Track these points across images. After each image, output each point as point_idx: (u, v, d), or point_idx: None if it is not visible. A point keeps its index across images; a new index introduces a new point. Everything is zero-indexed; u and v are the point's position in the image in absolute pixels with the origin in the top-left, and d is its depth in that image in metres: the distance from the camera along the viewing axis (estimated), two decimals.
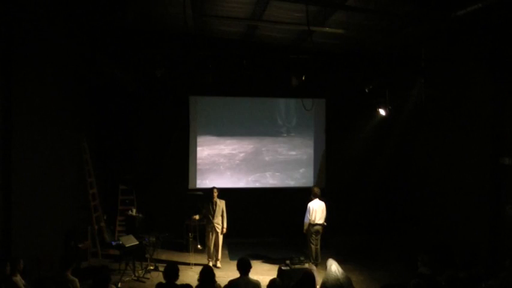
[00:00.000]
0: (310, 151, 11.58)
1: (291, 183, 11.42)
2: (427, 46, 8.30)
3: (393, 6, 7.01)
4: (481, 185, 7.74)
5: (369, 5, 7.04)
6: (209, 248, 8.91)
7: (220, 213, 8.85)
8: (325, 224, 8.82)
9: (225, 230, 8.93)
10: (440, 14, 6.92)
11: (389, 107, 9.19)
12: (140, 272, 8.22)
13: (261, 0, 7.00)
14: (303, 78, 9.39)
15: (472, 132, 8.04)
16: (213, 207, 8.82)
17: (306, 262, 7.78)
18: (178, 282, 5.02)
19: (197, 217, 9.03)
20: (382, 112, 9.44)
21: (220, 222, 8.84)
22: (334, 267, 6.97)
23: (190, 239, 9.31)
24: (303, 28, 7.86)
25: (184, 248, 9.70)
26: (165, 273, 4.97)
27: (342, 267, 7.11)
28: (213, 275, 5.01)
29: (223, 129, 11.25)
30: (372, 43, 8.88)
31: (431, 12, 7.02)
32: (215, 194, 8.88)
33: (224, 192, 9.47)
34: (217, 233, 8.83)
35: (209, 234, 8.89)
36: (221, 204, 8.89)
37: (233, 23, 8.13)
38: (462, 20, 6.73)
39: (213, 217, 8.78)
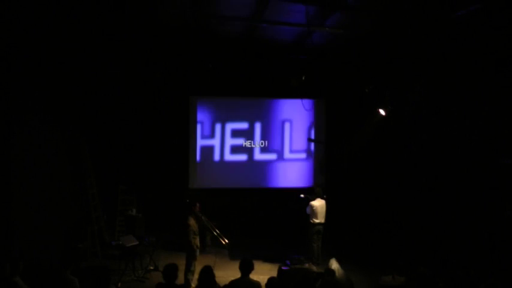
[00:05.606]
0: (310, 151, 11.58)
1: (291, 183, 11.42)
2: (427, 46, 8.30)
3: (393, 6, 7.02)
4: (481, 185, 7.73)
5: (369, 5, 7.05)
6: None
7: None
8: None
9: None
10: (440, 14, 6.92)
11: (390, 107, 9.19)
12: (140, 272, 8.22)
13: (261, 0, 7.01)
14: (303, 78, 9.41)
15: (472, 132, 8.04)
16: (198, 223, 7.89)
17: (306, 262, 7.79)
18: (178, 282, 5.02)
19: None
20: (382, 112, 9.44)
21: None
22: (334, 267, 6.97)
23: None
24: (303, 28, 7.87)
25: (184, 248, 9.69)
26: (165, 273, 4.98)
27: (343, 267, 7.11)
28: (213, 275, 5.02)
29: (223, 129, 11.25)
30: (372, 43, 8.87)
31: (431, 12, 7.02)
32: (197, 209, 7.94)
33: (224, 193, 9.49)
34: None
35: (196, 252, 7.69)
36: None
37: (233, 23, 8.13)
38: (462, 20, 6.74)
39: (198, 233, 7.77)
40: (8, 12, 6.03)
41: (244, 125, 11.33)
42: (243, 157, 11.32)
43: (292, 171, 11.50)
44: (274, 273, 7.43)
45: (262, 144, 11.36)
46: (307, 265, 7.62)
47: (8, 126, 6.12)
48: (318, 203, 8.91)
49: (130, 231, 9.18)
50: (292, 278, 6.50)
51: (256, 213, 11.00)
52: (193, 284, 7.36)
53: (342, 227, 10.71)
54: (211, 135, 11.22)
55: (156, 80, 10.19)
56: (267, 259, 9.22)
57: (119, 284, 7.58)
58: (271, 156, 11.43)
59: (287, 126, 11.52)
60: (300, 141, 11.53)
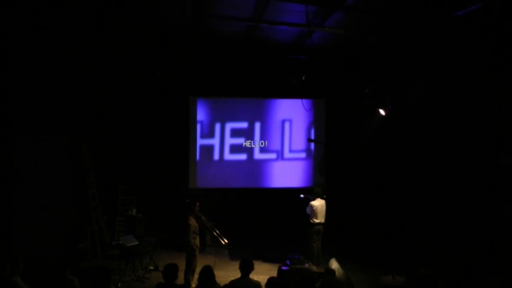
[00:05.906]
0: (309, 151, 11.59)
1: (291, 183, 11.42)
2: (427, 46, 8.30)
3: (393, 6, 7.02)
4: (481, 185, 7.74)
5: (369, 5, 7.05)
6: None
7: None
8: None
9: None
10: (440, 14, 6.92)
11: (389, 107, 9.19)
12: (140, 272, 8.22)
13: (261, 0, 7.01)
14: (303, 78, 9.42)
15: (472, 132, 8.04)
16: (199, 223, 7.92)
17: (306, 262, 7.79)
18: (178, 282, 5.03)
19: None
20: (382, 112, 9.44)
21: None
22: (334, 267, 6.97)
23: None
24: (302, 28, 7.87)
25: (184, 248, 9.70)
26: (165, 273, 4.98)
27: (343, 267, 7.10)
28: (213, 275, 5.02)
29: (223, 129, 11.25)
30: (372, 43, 8.88)
31: (431, 12, 7.03)
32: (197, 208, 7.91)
33: (225, 192, 9.47)
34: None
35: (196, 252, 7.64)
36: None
37: (233, 23, 8.13)
38: (462, 20, 6.74)
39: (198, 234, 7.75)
40: (8, 12, 6.03)
41: (243, 125, 11.33)
42: (242, 156, 11.32)
43: (292, 171, 11.49)
44: (274, 273, 7.43)
45: (262, 144, 11.35)
46: (307, 265, 7.63)
47: (9, 126, 6.13)
48: (318, 203, 8.91)
49: (131, 231, 9.19)
50: (292, 278, 6.50)
51: (256, 213, 10.99)
52: (193, 284, 7.36)
53: (342, 227, 10.71)
54: (211, 134, 11.21)
55: (156, 80, 10.19)
56: (267, 259, 9.22)
57: (119, 284, 7.59)
58: (271, 156, 11.44)
59: (287, 125, 11.52)
60: (300, 141, 11.53)
